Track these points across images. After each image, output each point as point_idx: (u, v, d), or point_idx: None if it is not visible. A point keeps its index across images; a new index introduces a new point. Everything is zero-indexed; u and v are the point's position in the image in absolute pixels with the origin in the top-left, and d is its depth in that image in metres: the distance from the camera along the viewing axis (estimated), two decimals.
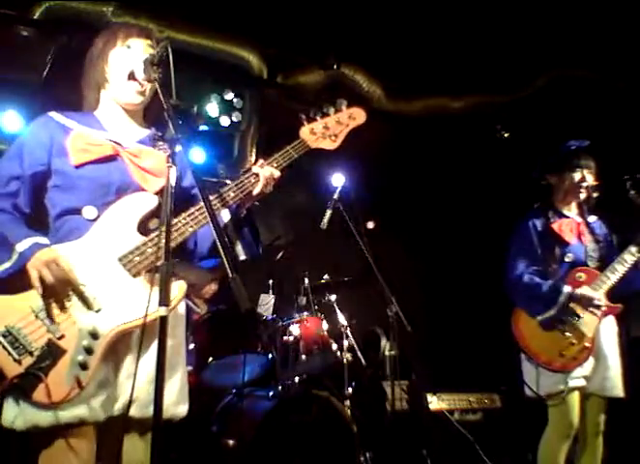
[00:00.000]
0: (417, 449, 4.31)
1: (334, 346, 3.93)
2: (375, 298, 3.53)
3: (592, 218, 3.31)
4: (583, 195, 3.23)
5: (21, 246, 1.83)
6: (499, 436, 4.21)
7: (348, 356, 4.07)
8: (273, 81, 5.03)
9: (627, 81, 4.87)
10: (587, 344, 3.01)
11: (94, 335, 1.81)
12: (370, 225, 6.32)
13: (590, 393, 3.08)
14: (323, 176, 5.80)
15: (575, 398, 3.02)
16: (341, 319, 4.27)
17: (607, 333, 3.14)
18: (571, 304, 3.02)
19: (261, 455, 3.18)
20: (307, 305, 4.23)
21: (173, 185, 1.69)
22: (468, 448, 4.22)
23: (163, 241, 1.85)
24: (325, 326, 3.98)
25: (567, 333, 3.01)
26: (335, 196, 3.78)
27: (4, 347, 1.74)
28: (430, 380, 4.59)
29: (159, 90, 1.84)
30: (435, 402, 4.49)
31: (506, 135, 5.46)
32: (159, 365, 1.56)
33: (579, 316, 3.02)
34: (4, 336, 1.75)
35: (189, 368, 3.86)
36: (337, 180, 5.69)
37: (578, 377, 3.00)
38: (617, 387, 3.09)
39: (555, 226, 3.18)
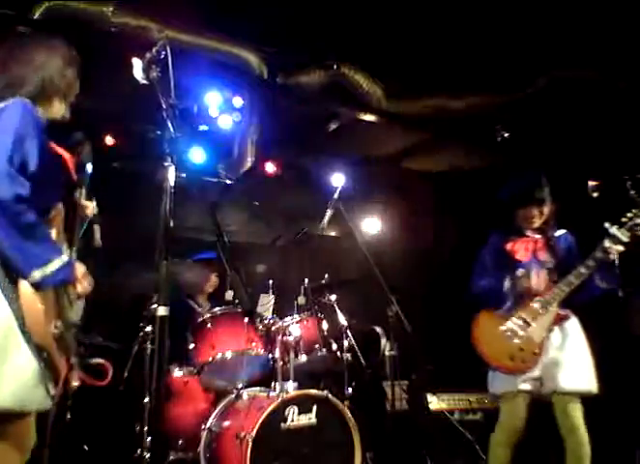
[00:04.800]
0: (417, 449, 4.31)
1: (334, 346, 3.94)
2: (375, 298, 3.53)
3: (559, 232, 3.46)
4: (534, 225, 3.41)
5: None
6: None
7: (348, 356, 4.07)
8: (273, 81, 5.02)
9: (628, 81, 4.86)
10: (536, 350, 3.17)
11: None
12: (371, 226, 6.34)
13: (553, 392, 3.16)
14: (323, 176, 5.81)
15: (523, 402, 3.19)
16: (341, 319, 4.27)
17: (567, 332, 3.24)
18: (521, 312, 3.23)
19: (261, 455, 3.18)
20: (307, 305, 4.23)
21: (173, 184, 1.69)
22: (468, 448, 4.22)
23: None
24: (325, 326, 3.98)
25: (516, 341, 3.20)
26: (336, 196, 3.77)
27: None
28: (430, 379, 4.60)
29: (158, 89, 1.84)
30: (435, 402, 4.49)
31: (506, 135, 5.46)
32: (159, 364, 1.56)
33: (527, 323, 3.22)
34: None
35: (190, 368, 3.87)
36: (337, 180, 5.70)
37: (527, 381, 3.15)
38: (576, 382, 3.14)
39: (509, 246, 3.41)
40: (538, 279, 3.26)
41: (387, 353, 4.86)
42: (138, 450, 3.22)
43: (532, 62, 4.90)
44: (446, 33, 4.59)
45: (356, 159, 6.23)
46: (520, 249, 3.40)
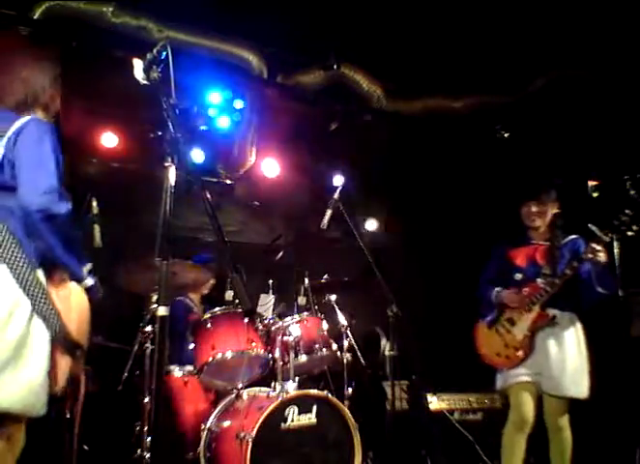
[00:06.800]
0: (417, 449, 4.31)
1: (334, 346, 3.94)
2: (375, 298, 3.53)
3: (568, 238, 3.52)
4: (534, 223, 3.52)
5: None
6: (499, 436, 4.21)
7: (348, 356, 4.06)
8: (273, 81, 5.02)
9: (627, 81, 4.87)
10: (517, 346, 3.38)
11: None
12: (370, 225, 6.33)
13: (543, 392, 3.35)
14: (323, 176, 5.81)
15: (525, 393, 3.35)
16: (341, 319, 4.27)
17: (563, 338, 3.34)
18: (507, 312, 3.48)
19: (261, 455, 3.18)
20: (307, 305, 4.23)
21: (173, 184, 1.70)
22: (468, 448, 4.23)
23: None
24: (325, 326, 3.98)
25: (505, 336, 3.45)
26: (336, 196, 3.77)
27: None
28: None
29: (159, 90, 1.84)
30: (435, 402, 4.49)
31: (506, 135, 5.47)
32: (159, 364, 1.56)
33: (512, 322, 3.44)
34: None
35: (189, 368, 3.87)
36: (337, 180, 5.68)
37: (518, 375, 3.36)
38: (564, 387, 3.25)
39: (512, 252, 3.59)
40: (510, 294, 3.44)
41: (387, 353, 4.86)
42: (138, 450, 3.23)
43: (531, 62, 4.91)
44: (446, 33, 4.59)
45: (356, 159, 6.23)
46: (520, 255, 3.55)
